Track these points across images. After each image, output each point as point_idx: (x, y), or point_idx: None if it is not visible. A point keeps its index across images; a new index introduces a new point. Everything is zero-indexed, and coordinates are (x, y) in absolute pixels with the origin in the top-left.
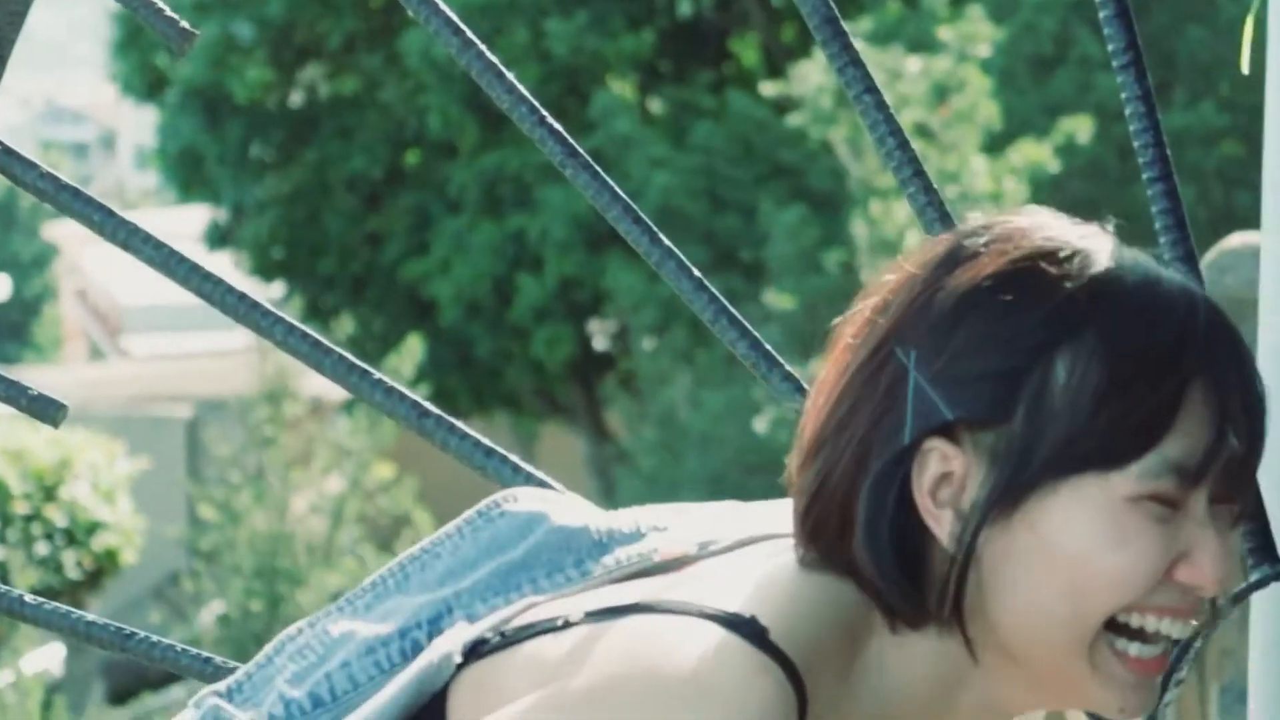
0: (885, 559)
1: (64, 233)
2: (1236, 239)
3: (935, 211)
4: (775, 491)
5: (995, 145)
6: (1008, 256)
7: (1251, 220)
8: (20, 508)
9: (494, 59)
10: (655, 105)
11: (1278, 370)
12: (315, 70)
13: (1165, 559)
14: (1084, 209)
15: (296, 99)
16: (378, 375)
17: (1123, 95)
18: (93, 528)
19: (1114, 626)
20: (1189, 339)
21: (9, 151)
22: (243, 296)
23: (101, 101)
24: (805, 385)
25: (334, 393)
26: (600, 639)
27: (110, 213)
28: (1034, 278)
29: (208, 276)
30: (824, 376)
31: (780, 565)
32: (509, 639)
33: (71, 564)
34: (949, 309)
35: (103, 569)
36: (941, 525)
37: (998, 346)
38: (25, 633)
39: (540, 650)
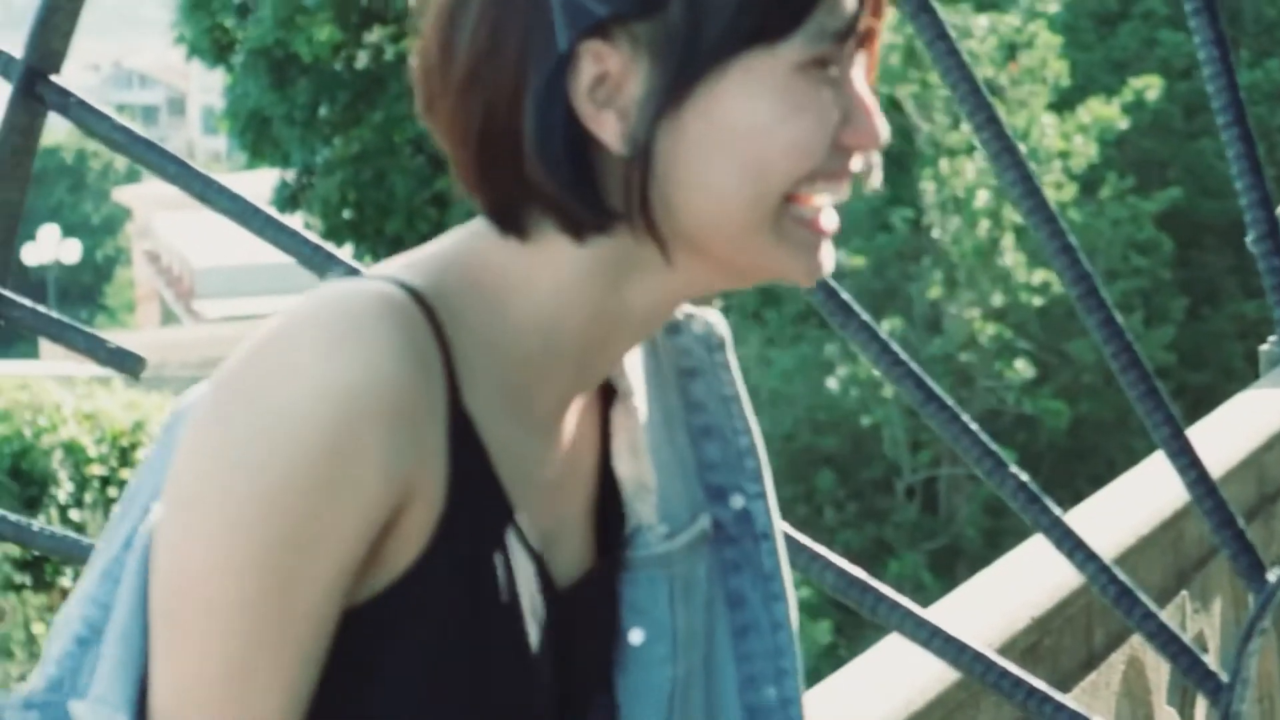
0: (561, 169)
1: (135, 196)
2: None
3: (1010, 158)
4: (848, 448)
5: (1062, 101)
6: None
7: None
8: (96, 470)
9: None
10: None
11: None
12: (381, 32)
13: (835, 117)
14: (1151, 164)
15: (363, 60)
16: None
17: (1195, 39)
18: None
19: (789, 200)
20: None
21: (84, 104)
22: (317, 248)
23: (170, 65)
24: (882, 335)
25: None
26: None
27: (185, 165)
28: None
29: (283, 228)
30: (448, 6)
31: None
32: None
33: None
34: None
35: None
36: (604, 127)
37: None
38: None
39: None
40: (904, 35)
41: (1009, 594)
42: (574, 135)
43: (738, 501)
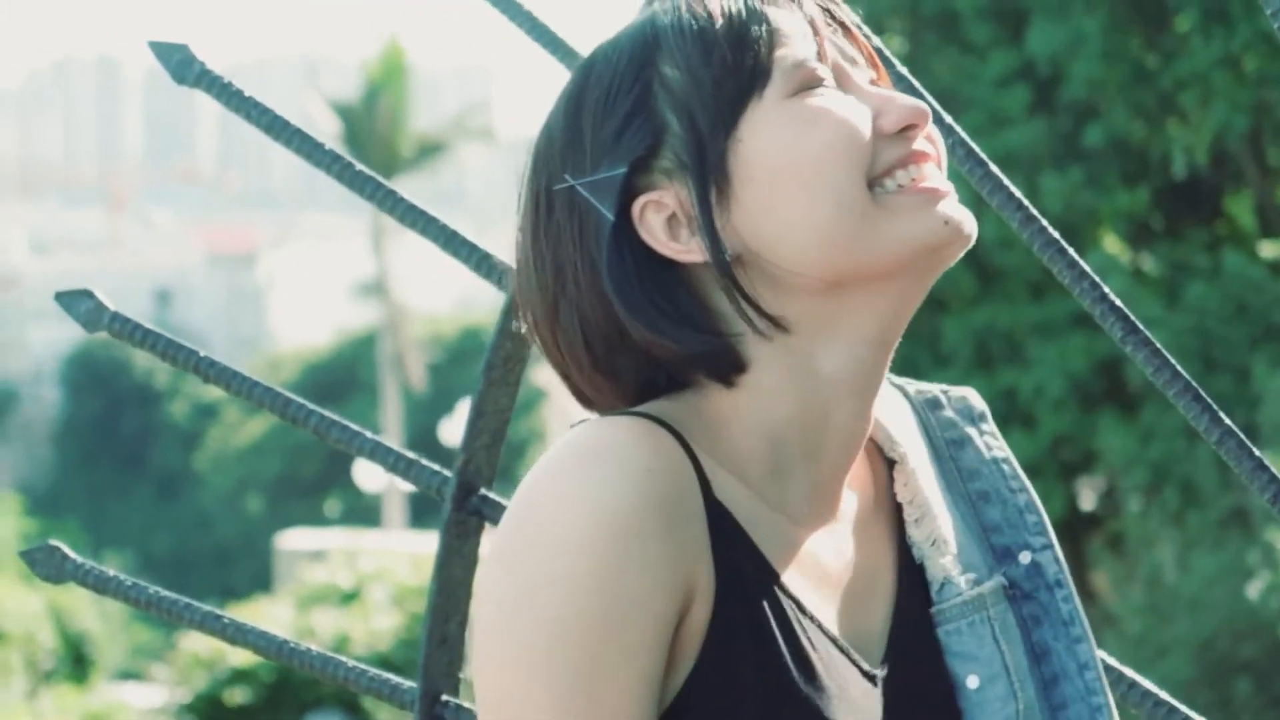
0: (678, 329)
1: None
2: None
3: None
4: (1266, 657)
5: None
6: (577, 67)
7: None
8: None
9: (1019, 195)
10: (1148, 264)
11: None
12: None
13: (864, 112)
14: None
15: None
16: None
17: None
18: None
19: (876, 187)
20: None
21: None
22: None
23: None
24: None
25: None
26: None
27: None
28: (602, 50)
29: None
30: (520, 270)
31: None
32: None
33: None
34: (561, 124)
35: None
36: (695, 253)
37: (613, 100)
38: None
39: None
40: None
41: None
42: (669, 288)
43: (1025, 557)
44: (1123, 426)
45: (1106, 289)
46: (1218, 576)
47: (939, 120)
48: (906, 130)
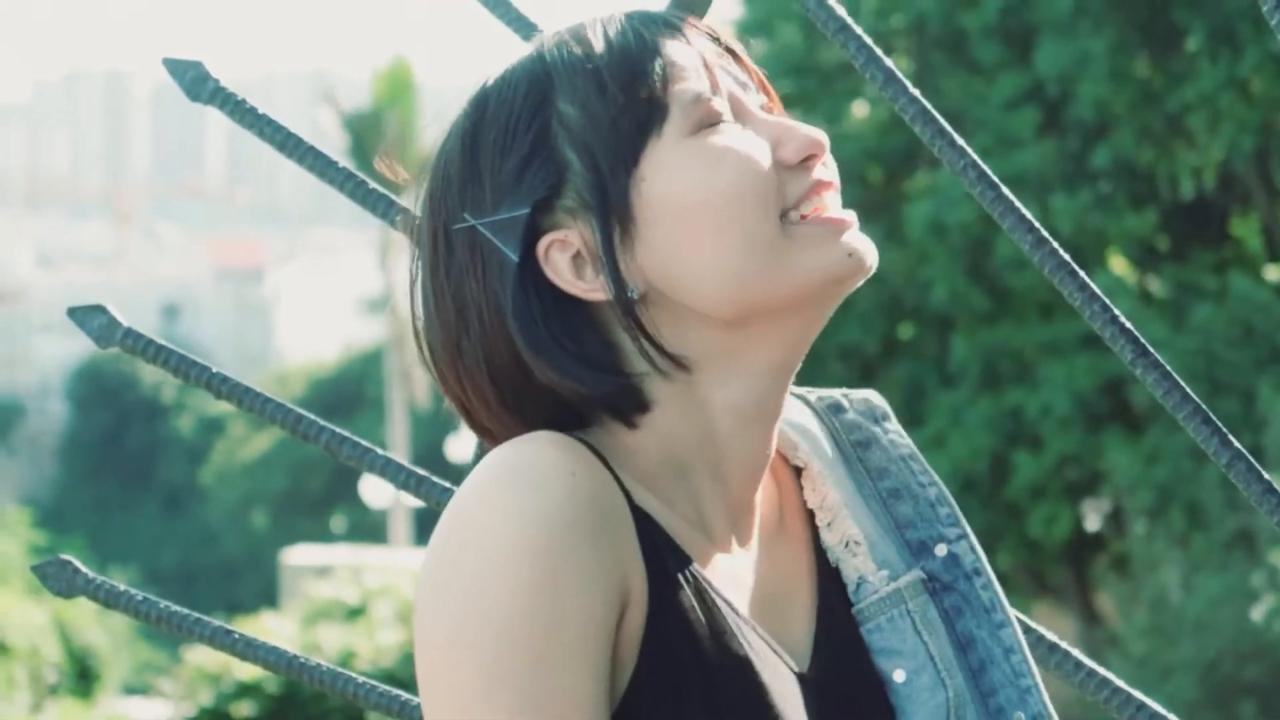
0: (582, 369)
1: None
2: None
3: None
4: (1271, 679)
5: None
6: (467, 103)
7: None
8: None
9: (1030, 217)
10: (1154, 285)
11: None
12: None
13: (764, 146)
14: None
15: None
16: None
17: None
18: None
19: (785, 219)
20: (635, 21)
21: None
22: None
23: None
24: None
25: None
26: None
27: None
28: (494, 86)
29: None
30: (419, 304)
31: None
32: None
33: None
34: (458, 162)
35: None
36: (604, 292)
37: (512, 138)
38: None
39: None
40: None
41: None
42: (574, 327)
43: (941, 549)
44: (1128, 447)
45: (1117, 311)
46: (1223, 599)
47: (951, 142)
48: (806, 160)
